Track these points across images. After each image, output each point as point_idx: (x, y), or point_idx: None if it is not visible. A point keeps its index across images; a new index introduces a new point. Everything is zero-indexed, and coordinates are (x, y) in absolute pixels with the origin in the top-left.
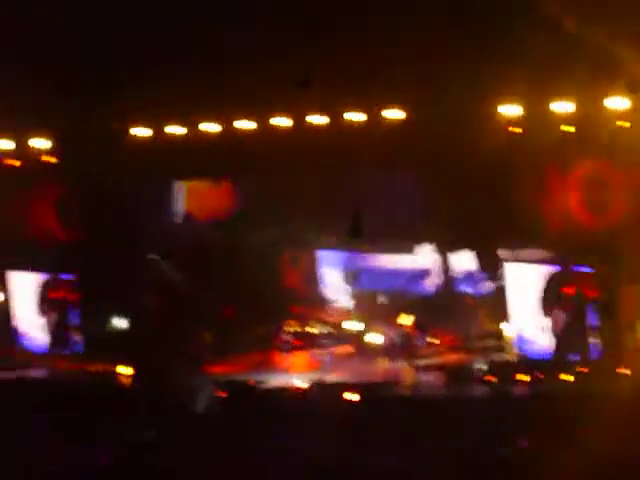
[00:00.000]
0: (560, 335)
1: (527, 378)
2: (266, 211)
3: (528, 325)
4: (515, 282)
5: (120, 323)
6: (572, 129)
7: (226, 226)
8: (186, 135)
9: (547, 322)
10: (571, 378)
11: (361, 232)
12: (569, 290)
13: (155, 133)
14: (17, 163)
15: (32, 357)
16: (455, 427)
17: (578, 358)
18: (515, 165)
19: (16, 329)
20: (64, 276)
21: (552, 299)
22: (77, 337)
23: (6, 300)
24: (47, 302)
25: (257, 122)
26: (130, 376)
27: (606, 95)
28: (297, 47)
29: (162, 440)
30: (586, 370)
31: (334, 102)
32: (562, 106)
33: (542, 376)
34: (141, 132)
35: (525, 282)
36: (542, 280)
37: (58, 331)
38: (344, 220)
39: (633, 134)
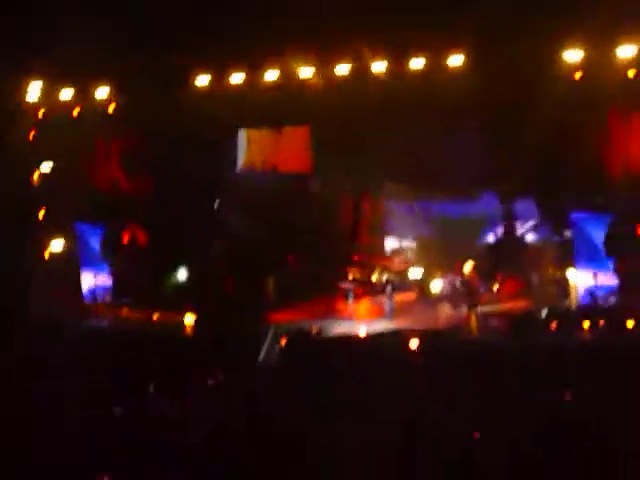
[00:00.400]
0: (626, 282)
1: (589, 325)
2: (330, 159)
3: (593, 271)
4: (580, 229)
5: (186, 271)
6: (634, 74)
7: (291, 175)
8: (248, 83)
9: (613, 269)
10: (631, 325)
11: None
12: (634, 237)
13: (218, 82)
14: (77, 112)
15: (98, 306)
16: (517, 374)
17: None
18: (578, 112)
19: (82, 278)
20: (130, 226)
21: (618, 245)
22: (142, 285)
23: (73, 250)
24: (113, 252)
25: (319, 70)
26: (195, 324)
27: None
28: None
29: (226, 387)
30: None
31: (397, 48)
32: (626, 50)
33: (605, 323)
34: (204, 80)
35: (590, 229)
36: (607, 227)
37: (124, 280)
38: (409, 168)
39: None
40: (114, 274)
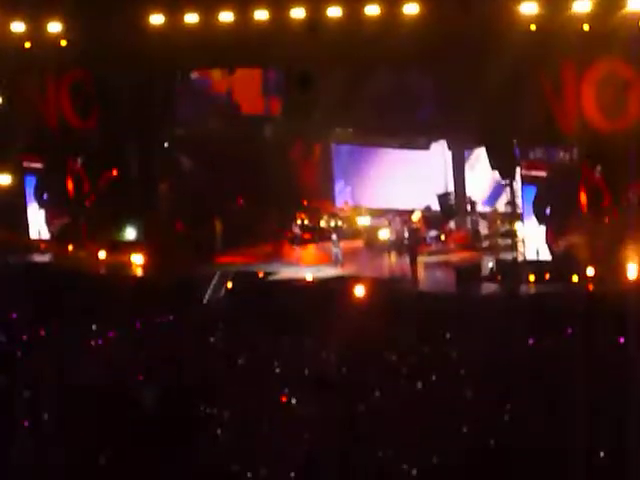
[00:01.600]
0: (571, 237)
1: (533, 278)
2: (282, 103)
3: (539, 226)
4: (528, 183)
5: (133, 211)
6: (588, 28)
7: (242, 117)
8: (202, 24)
9: (559, 224)
10: (576, 279)
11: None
12: (582, 194)
13: (171, 21)
14: (28, 45)
15: (43, 243)
16: (461, 324)
17: (587, 260)
18: (532, 64)
19: (28, 214)
20: (79, 163)
21: (565, 203)
22: (89, 223)
23: (20, 184)
24: (62, 189)
25: (272, 12)
26: (141, 264)
27: None
28: None
29: (172, 327)
30: (593, 272)
31: None
32: (581, 4)
33: (549, 277)
34: (158, 20)
35: (538, 184)
36: (555, 183)
37: (71, 217)
38: (361, 114)
39: None
40: (62, 212)
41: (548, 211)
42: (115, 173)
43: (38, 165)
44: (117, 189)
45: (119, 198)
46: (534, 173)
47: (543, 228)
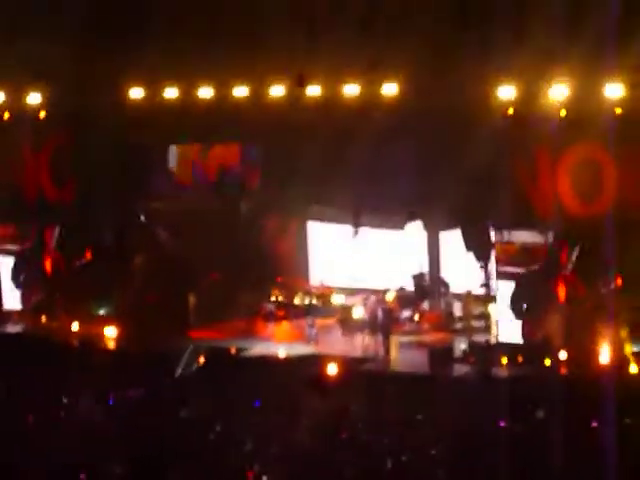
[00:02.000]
0: (544, 322)
1: (506, 361)
2: (259, 179)
3: (512, 309)
4: (504, 279)
5: (108, 284)
6: (565, 113)
7: (217, 191)
8: (181, 99)
9: (535, 318)
10: (549, 363)
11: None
12: (556, 284)
13: (152, 96)
14: (7, 116)
15: (15, 312)
16: (433, 405)
17: (560, 344)
18: (508, 147)
19: (2, 289)
20: (54, 238)
21: (541, 297)
22: (64, 297)
23: None
24: (39, 270)
25: (252, 89)
26: (114, 337)
27: (603, 82)
28: (298, 12)
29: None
30: (566, 356)
31: (332, 73)
32: (559, 90)
33: (522, 360)
34: (138, 94)
35: (515, 280)
36: (531, 278)
37: (46, 293)
38: (337, 192)
39: (628, 122)
40: (33, 281)
41: (525, 307)
42: (89, 254)
43: (15, 247)
44: (93, 263)
45: (94, 271)
46: (510, 269)
47: (519, 322)
